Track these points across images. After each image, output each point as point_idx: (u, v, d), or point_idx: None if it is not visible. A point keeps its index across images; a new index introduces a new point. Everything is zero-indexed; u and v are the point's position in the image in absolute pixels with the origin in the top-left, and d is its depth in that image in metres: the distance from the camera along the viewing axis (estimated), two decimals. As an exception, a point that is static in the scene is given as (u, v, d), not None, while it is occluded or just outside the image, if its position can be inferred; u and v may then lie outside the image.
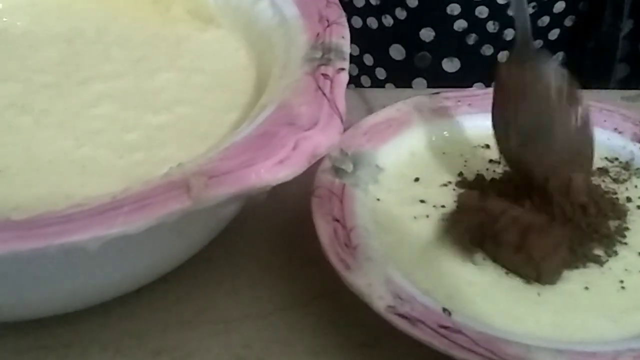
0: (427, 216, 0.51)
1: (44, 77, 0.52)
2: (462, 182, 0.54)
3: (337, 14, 0.50)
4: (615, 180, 0.54)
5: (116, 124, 0.48)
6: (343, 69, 0.45)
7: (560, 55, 0.82)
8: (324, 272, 0.46)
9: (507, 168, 0.53)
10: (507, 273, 0.47)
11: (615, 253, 0.48)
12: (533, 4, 0.77)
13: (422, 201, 0.52)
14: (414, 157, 0.55)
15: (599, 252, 0.48)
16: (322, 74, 0.44)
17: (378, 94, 0.71)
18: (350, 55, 0.47)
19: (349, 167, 0.52)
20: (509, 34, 0.77)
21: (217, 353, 0.46)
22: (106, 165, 0.45)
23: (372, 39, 0.82)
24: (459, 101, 0.59)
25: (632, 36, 0.81)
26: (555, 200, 0.49)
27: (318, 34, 0.48)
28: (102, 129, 0.48)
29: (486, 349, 0.40)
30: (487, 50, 0.79)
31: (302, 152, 0.39)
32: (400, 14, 0.79)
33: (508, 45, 0.72)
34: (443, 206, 0.51)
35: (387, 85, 0.84)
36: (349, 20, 0.49)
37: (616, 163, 0.56)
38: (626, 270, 0.47)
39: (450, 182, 0.54)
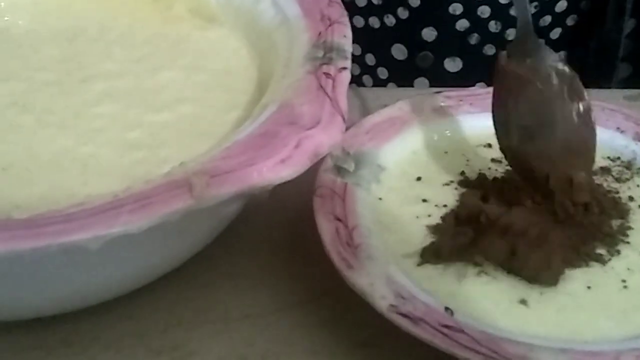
0: (429, 215, 0.51)
1: (45, 76, 0.52)
2: (464, 182, 0.53)
3: (339, 13, 0.50)
4: (618, 180, 0.54)
5: (118, 122, 0.48)
6: (345, 68, 0.45)
7: (562, 54, 0.82)
8: (325, 271, 0.46)
9: (509, 167, 0.53)
10: (508, 272, 0.47)
11: (618, 252, 0.48)
12: (535, 3, 0.77)
13: (424, 200, 0.52)
14: (415, 156, 0.55)
15: (601, 251, 0.48)
16: (324, 73, 0.44)
17: (380, 93, 0.71)
18: (352, 54, 0.47)
19: (350, 166, 0.52)
20: (511, 33, 0.77)
21: (219, 352, 0.46)
22: (108, 164, 0.45)
23: (374, 39, 0.82)
24: (460, 100, 0.59)
25: (635, 35, 0.81)
26: (557, 199, 0.48)
27: (320, 33, 0.48)
28: (104, 127, 0.48)
29: (488, 348, 0.40)
30: (489, 50, 0.79)
31: (304, 151, 0.39)
32: (403, 13, 0.79)
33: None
34: (445, 205, 0.51)
35: (389, 85, 0.84)
36: (350, 20, 0.49)
37: (618, 162, 0.56)
38: (629, 269, 0.47)
39: (452, 182, 0.54)
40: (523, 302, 0.45)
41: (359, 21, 0.81)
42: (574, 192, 0.48)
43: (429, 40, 0.79)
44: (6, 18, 0.58)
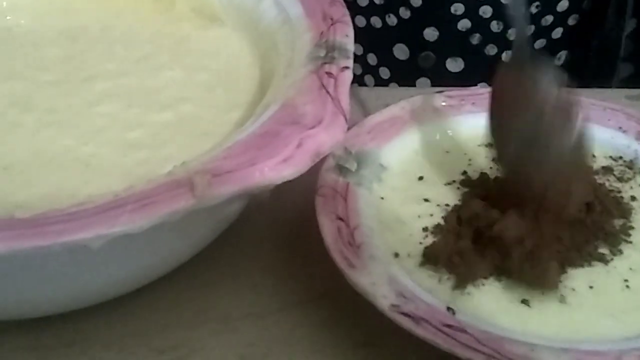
0: (431, 215, 0.51)
1: (47, 76, 0.52)
2: (466, 181, 0.53)
3: (341, 12, 0.50)
4: (620, 179, 0.54)
5: (119, 122, 0.48)
6: (347, 68, 0.45)
7: (563, 54, 0.82)
8: (327, 270, 0.45)
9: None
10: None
11: (620, 252, 0.48)
12: (536, 3, 0.77)
13: (426, 200, 0.52)
14: (417, 155, 0.55)
15: (604, 250, 0.48)
16: (326, 73, 0.44)
17: (381, 93, 0.71)
18: (354, 54, 0.47)
19: (352, 165, 0.52)
20: (513, 33, 0.77)
21: (220, 352, 0.46)
22: (109, 164, 0.45)
23: (376, 39, 0.82)
24: (462, 100, 0.59)
25: (635, 35, 0.81)
26: (545, 221, 0.48)
27: (322, 33, 0.48)
28: (106, 127, 0.48)
29: (490, 347, 0.40)
30: (491, 49, 0.79)
31: (305, 151, 0.39)
32: (404, 13, 0.79)
33: (512, 45, 0.72)
34: (447, 205, 0.51)
35: (391, 84, 0.84)
36: (352, 20, 0.49)
37: (620, 162, 0.55)
38: (631, 269, 0.47)
39: (454, 181, 0.54)
40: (525, 301, 0.45)
41: (361, 21, 0.81)
42: (570, 206, 0.48)
43: (431, 40, 0.79)
44: (8, 18, 0.58)
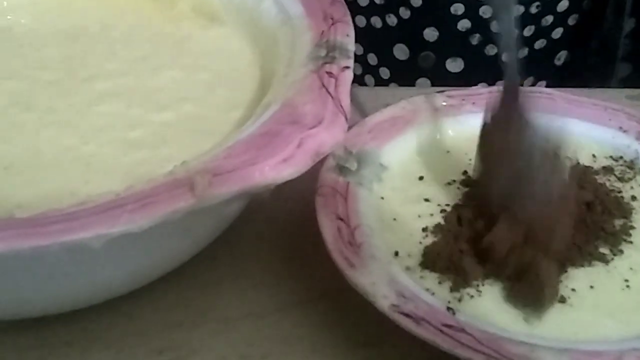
0: (431, 215, 0.51)
1: (47, 75, 0.52)
2: (467, 181, 0.53)
3: (342, 12, 0.50)
4: (620, 179, 0.54)
5: (120, 121, 0.48)
6: (348, 67, 0.45)
7: (563, 54, 0.82)
8: (327, 270, 0.45)
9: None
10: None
11: (621, 252, 0.48)
12: (537, 3, 0.77)
13: (426, 200, 0.52)
14: (418, 155, 0.55)
15: (604, 250, 0.48)
16: (327, 72, 0.44)
17: (382, 92, 0.71)
18: (354, 54, 0.47)
19: (353, 165, 0.52)
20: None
21: (219, 352, 0.46)
22: (110, 163, 0.45)
23: (376, 38, 0.82)
24: (463, 100, 0.59)
25: (634, 35, 0.81)
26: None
27: (322, 32, 0.48)
28: (106, 126, 0.48)
29: (490, 348, 0.40)
30: (491, 50, 0.79)
31: (306, 151, 0.39)
32: (404, 13, 0.79)
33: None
34: (447, 205, 0.51)
35: (391, 85, 0.84)
36: (352, 19, 0.49)
37: (621, 162, 0.55)
38: (631, 269, 0.47)
39: (454, 181, 0.54)
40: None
41: (361, 21, 0.81)
42: (554, 244, 0.47)
43: (431, 40, 0.79)
44: (8, 17, 0.58)
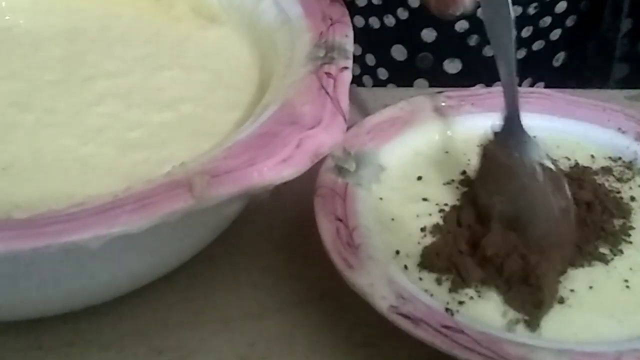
0: (430, 215, 0.51)
1: (46, 75, 0.52)
2: (465, 181, 0.53)
3: (341, 12, 0.50)
4: (619, 180, 0.54)
5: (119, 122, 0.48)
6: (346, 68, 0.45)
7: (561, 55, 0.82)
8: (326, 271, 0.45)
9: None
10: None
11: (621, 252, 0.48)
12: (535, 4, 0.77)
13: (424, 200, 0.52)
14: (416, 156, 0.55)
15: (604, 250, 0.48)
16: (326, 73, 0.44)
17: (380, 93, 0.71)
18: (353, 54, 0.47)
19: (351, 166, 0.52)
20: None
21: (219, 352, 0.46)
22: (109, 164, 0.45)
23: (374, 39, 0.82)
24: (462, 100, 0.59)
25: (631, 35, 0.81)
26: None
27: (321, 33, 0.48)
28: (105, 127, 0.48)
29: (489, 349, 0.40)
30: (489, 51, 0.79)
31: (305, 151, 0.39)
32: (402, 14, 0.79)
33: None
34: (446, 204, 0.51)
35: (389, 85, 0.84)
36: (350, 20, 0.49)
37: (619, 162, 0.55)
38: (631, 269, 0.47)
39: (453, 180, 0.54)
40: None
41: (359, 21, 0.81)
42: (550, 269, 0.47)
43: (429, 41, 0.79)
44: (7, 17, 0.58)
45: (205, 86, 0.52)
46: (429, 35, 0.79)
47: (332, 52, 0.46)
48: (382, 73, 0.84)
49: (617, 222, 0.50)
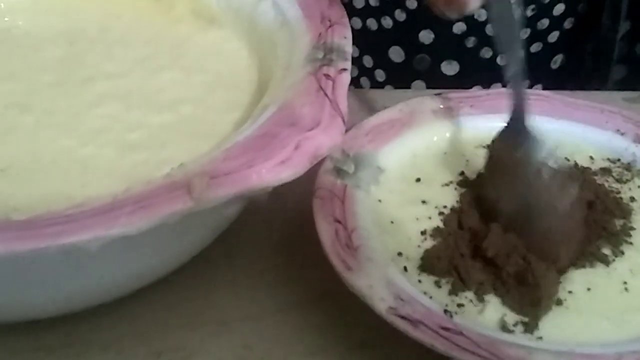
0: (429, 217, 0.51)
1: (46, 77, 0.52)
2: (464, 182, 0.53)
3: (339, 14, 0.50)
4: (618, 181, 0.54)
5: (118, 123, 0.48)
6: (345, 70, 0.45)
7: (559, 58, 0.82)
8: (325, 273, 0.45)
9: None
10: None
11: (622, 253, 0.48)
12: (532, 6, 0.77)
13: (423, 202, 0.52)
14: (415, 157, 0.55)
15: (606, 250, 0.48)
16: (324, 75, 0.44)
17: (379, 95, 0.71)
18: (351, 56, 0.47)
19: (350, 168, 0.52)
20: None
21: (219, 353, 0.46)
22: (108, 165, 0.45)
23: (372, 41, 0.82)
24: (460, 102, 0.59)
25: (629, 37, 0.81)
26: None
27: (320, 34, 0.48)
28: (105, 128, 0.48)
29: (487, 351, 0.40)
30: (486, 53, 0.79)
31: (303, 153, 0.39)
32: (400, 15, 0.79)
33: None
34: (445, 206, 0.51)
35: (387, 87, 0.84)
36: (348, 21, 0.49)
37: (618, 164, 0.56)
38: (631, 271, 0.47)
39: (451, 182, 0.54)
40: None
41: (357, 23, 0.81)
42: (557, 265, 0.47)
43: (426, 43, 0.79)
44: (6, 19, 0.58)
45: (204, 87, 0.52)
46: (426, 37, 0.79)
47: (331, 54, 0.46)
48: (380, 75, 0.84)
49: (618, 222, 0.50)
